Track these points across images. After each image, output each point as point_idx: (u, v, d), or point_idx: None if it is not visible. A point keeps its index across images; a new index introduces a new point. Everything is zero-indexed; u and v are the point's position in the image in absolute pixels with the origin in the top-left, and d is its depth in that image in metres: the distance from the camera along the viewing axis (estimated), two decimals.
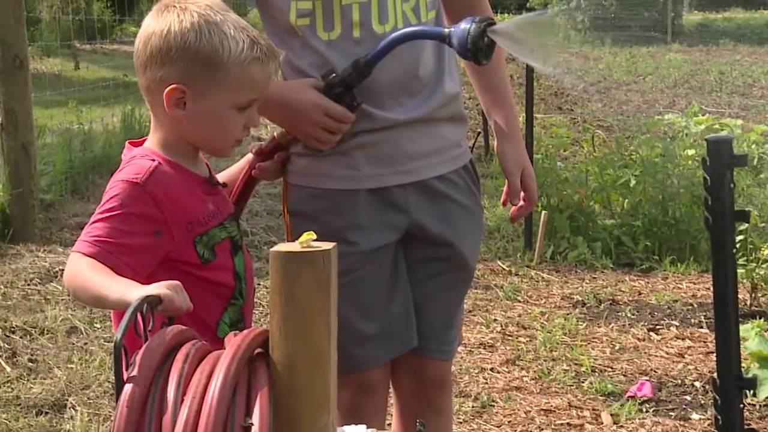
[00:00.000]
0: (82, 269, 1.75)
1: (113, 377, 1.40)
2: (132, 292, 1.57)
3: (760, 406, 3.71)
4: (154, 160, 1.89)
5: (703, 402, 3.78)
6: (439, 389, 2.49)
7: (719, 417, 2.09)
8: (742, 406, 2.13)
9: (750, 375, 3.47)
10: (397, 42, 2.10)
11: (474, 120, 11.76)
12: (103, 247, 1.78)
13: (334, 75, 2.14)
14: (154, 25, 1.89)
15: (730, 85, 15.79)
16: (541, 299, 5.08)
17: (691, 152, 6.70)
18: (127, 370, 1.35)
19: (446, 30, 2.04)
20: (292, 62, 2.22)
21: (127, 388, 1.33)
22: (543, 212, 5.75)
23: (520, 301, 4.99)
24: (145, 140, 2.00)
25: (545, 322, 4.68)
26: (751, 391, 3.70)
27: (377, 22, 2.17)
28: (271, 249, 1.41)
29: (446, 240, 2.33)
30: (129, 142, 2.01)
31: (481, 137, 8.96)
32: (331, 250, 1.40)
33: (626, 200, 6.21)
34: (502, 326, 4.60)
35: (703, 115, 8.64)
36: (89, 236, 1.80)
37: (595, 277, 5.47)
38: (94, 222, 1.82)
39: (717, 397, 2.15)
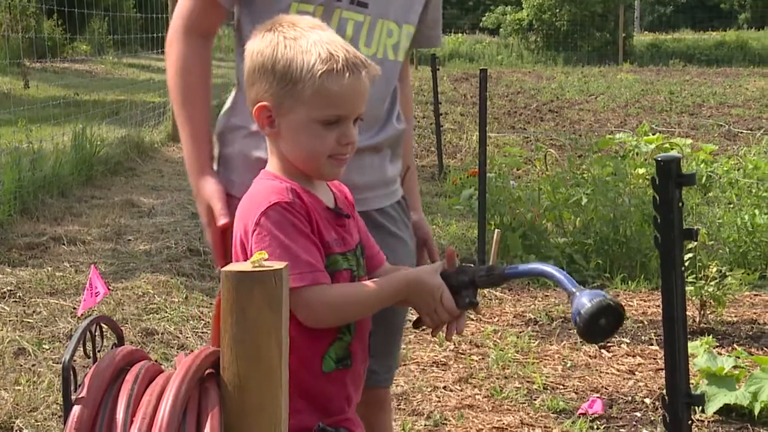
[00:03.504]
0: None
1: (62, 399, 1.39)
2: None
3: (708, 422, 3.75)
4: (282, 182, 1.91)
5: (653, 418, 3.81)
6: (380, 410, 2.53)
7: None
8: (690, 422, 2.16)
9: (698, 391, 3.52)
10: (538, 275, 2.09)
11: (428, 139, 11.81)
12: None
13: (471, 265, 2.15)
14: (248, 48, 1.95)
15: (679, 104, 16.01)
16: (493, 317, 5.09)
17: (641, 171, 6.77)
18: (75, 391, 1.34)
19: (577, 291, 1.91)
20: None
21: (75, 409, 1.32)
22: (496, 230, 5.74)
23: (472, 320, 5.00)
24: None
25: (498, 340, 4.69)
26: (700, 408, 3.74)
27: (363, 44, 2.25)
28: (223, 268, 1.41)
29: None
30: None
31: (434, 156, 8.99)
32: (282, 269, 1.40)
33: (578, 218, 6.26)
34: (455, 344, 4.60)
35: (653, 135, 8.73)
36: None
37: (547, 295, 5.49)
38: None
39: (666, 414, 2.17)
